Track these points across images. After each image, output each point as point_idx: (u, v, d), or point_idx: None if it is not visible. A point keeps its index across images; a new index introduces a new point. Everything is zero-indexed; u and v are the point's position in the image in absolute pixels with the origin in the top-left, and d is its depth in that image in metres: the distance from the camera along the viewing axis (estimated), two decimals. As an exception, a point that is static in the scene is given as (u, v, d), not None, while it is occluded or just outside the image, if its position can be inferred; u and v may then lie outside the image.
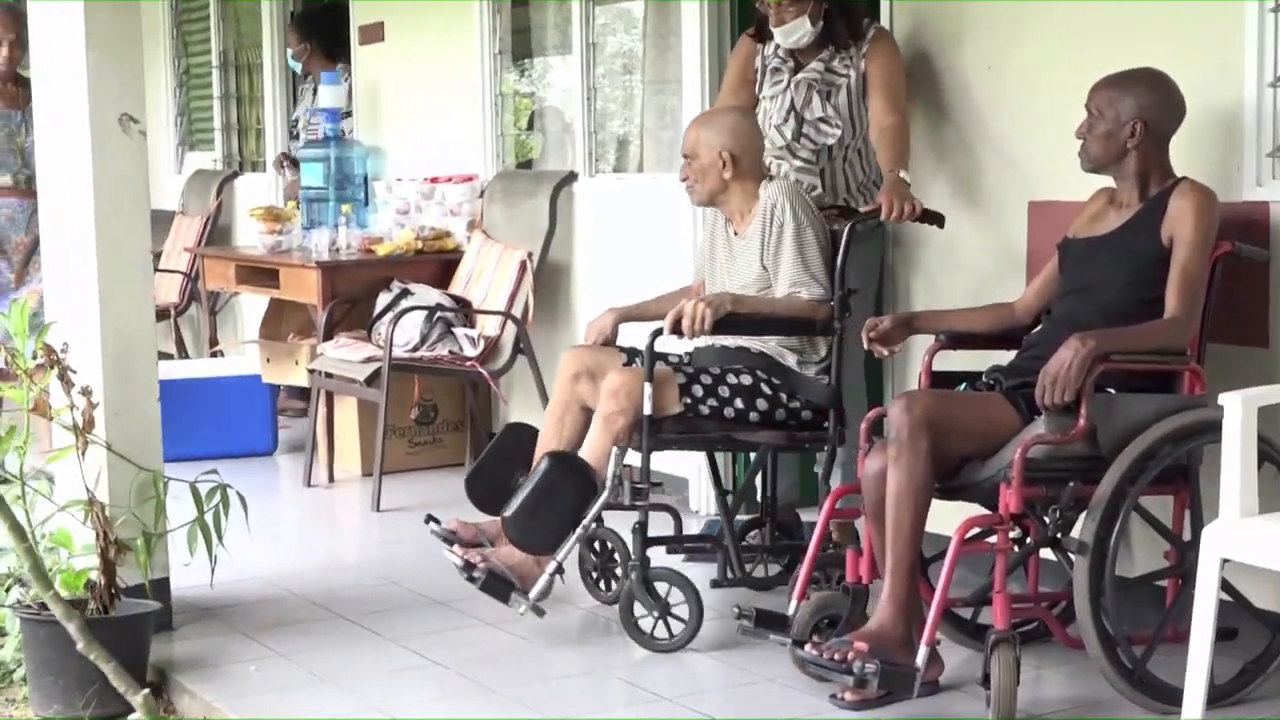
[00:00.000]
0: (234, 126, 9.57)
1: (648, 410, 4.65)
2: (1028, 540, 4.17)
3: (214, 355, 7.91)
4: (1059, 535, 4.07)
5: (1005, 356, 4.42)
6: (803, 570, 4.34)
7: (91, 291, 4.74)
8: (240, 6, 9.42)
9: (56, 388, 4.50)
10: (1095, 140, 4.23)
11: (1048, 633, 4.44)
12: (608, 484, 4.65)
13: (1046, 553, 4.25)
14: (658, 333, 4.66)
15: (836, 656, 3.91)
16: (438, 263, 7.13)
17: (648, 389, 4.64)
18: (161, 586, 4.83)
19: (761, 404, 4.79)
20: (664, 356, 4.85)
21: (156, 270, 9.02)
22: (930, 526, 4.07)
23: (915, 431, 3.98)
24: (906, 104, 5.17)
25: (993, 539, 4.05)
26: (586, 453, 4.73)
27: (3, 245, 7.01)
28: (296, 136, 8.55)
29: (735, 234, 5.01)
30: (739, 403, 4.76)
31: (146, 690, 3.82)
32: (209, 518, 4.73)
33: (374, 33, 8.04)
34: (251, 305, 8.52)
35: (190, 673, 4.51)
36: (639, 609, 4.65)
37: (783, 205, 4.87)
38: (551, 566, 4.64)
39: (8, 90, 6.99)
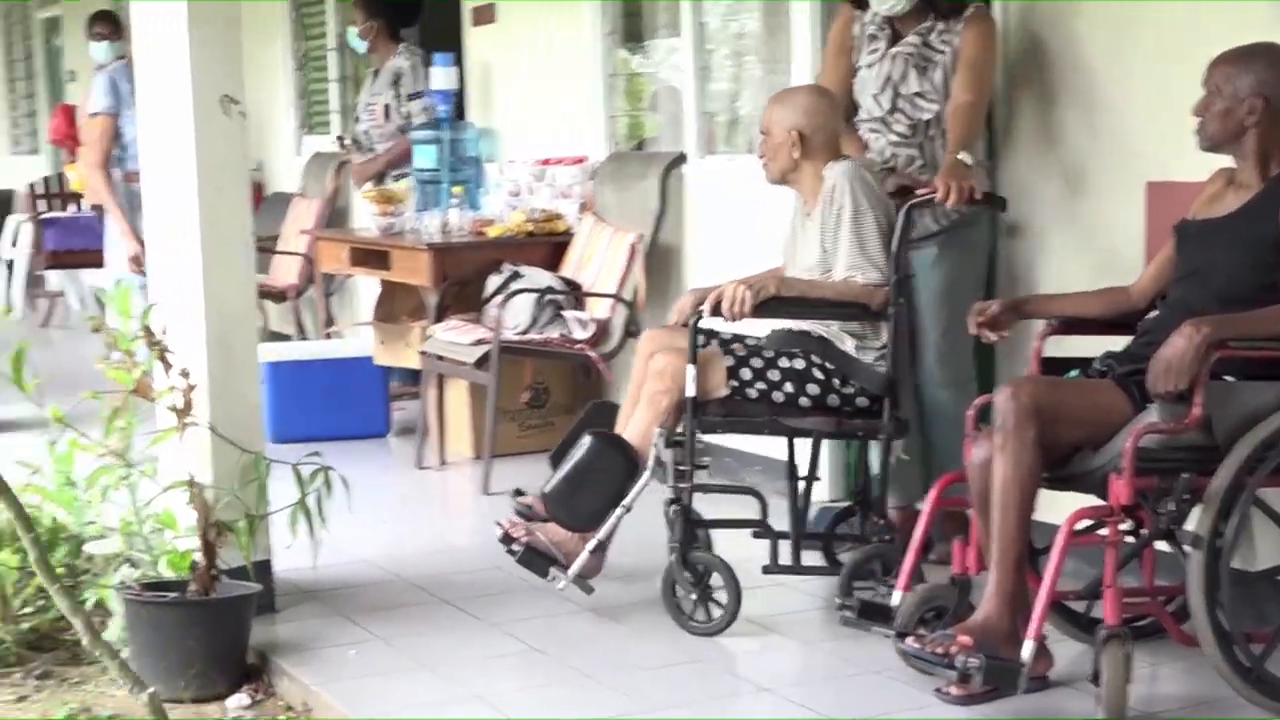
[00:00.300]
0: (351, 109, 9.56)
1: (690, 392, 4.62)
2: (1140, 533, 4.05)
3: (329, 337, 7.92)
4: (1173, 528, 3.94)
5: (1120, 342, 4.28)
6: (907, 561, 4.24)
7: (194, 273, 4.74)
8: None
9: (160, 370, 4.52)
10: (1213, 118, 4.09)
11: (1163, 629, 4.30)
12: (649, 465, 4.65)
13: (1164, 545, 4.13)
14: (700, 315, 4.65)
15: (939, 650, 3.81)
16: (548, 245, 7.08)
17: (690, 370, 4.62)
18: (264, 569, 4.83)
19: (813, 389, 4.72)
20: (741, 339, 4.81)
21: (275, 253, 9.08)
22: (1043, 516, 3.96)
23: (1021, 419, 3.87)
24: (987, 86, 5.01)
25: (1104, 531, 3.93)
26: (631, 432, 4.74)
27: None
28: (358, 119, 8.45)
29: (807, 215, 4.93)
30: (789, 387, 4.70)
31: (152, 690, 3.78)
32: (311, 500, 4.75)
33: (486, 14, 8.01)
34: (368, 287, 8.52)
35: (290, 655, 4.50)
36: (680, 590, 4.65)
37: (842, 187, 4.77)
38: (591, 544, 4.67)
39: None
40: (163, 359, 4.38)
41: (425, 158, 7.86)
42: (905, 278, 4.73)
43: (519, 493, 4.98)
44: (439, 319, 6.85)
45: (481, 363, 6.43)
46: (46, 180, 13.06)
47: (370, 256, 7.41)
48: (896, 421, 4.74)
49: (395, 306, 7.52)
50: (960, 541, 4.21)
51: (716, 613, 4.62)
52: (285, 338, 9.38)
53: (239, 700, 4.33)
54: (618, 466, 4.68)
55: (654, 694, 4.16)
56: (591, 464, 4.70)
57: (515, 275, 6.83)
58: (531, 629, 4.69)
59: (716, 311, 4.64)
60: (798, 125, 4.85)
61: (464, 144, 7.85)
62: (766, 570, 4.78)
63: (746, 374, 4.70)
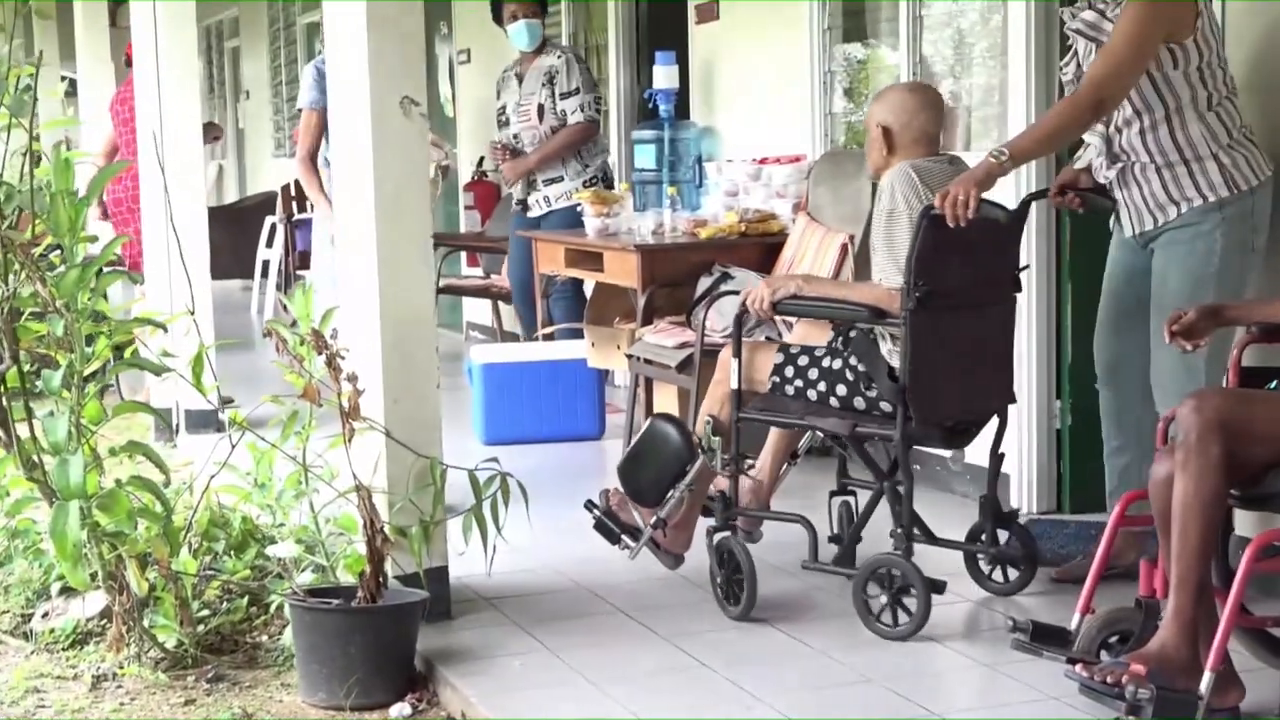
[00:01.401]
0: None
1: (734, 384, 4.82)
2: (1339, 558, 3.76)
3: (547, 339, 7.88)
4: (1375, 554, 3.65)
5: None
6: (1088, 582, 3.99)
7: (371, 275, 4.71)
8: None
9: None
10: None
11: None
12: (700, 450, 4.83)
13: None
14: (743, 309, 4.84)
15: (1110, 679, 3.58)
16: (761, 246, 6.93)
17: (733, 364, 4.82)
18: (439, 575, 4.79)
19: (841, 389, 4.74)
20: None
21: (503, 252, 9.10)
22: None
23: (1205, 435, 3.61)
24: (1109, 74, 4.55)
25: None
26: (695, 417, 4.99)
27: None
28: (506, 123, 8.30)
29: None
30: (822, 386, 4.77)
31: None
32: (487, 506, 4.69)
33: (709, 11, 7.89)
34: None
35: (456, 665, 4.44)
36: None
37: (890, 189, 4.67)
38: (652, 519, 4.85)
39: None
40: (331, 363, 4.34)
41: (645, 157, 7.78)
42: (916, 284, 4.49)
43: None
44: (647, 322, 6.75)
45: (684, 366, 6.31)
46: (297, 182, 13.31)
47: (585, 258, 7.35)
48: (911, 432, 4.60)
49: (609, 309, 7.44)
50: (1148, 561, 3.95)
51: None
52: (514, 337, 9.42)
53: (401, 709, 4.28)
54: (674, 446, 4.85)
55: (816, 717, 4.00)
56: (653, 444, 4.92)
57: (725, 276, 6.70)
58: (703, 643, 4.55)
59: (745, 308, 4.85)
60: (884, 121, 4.81)
61: (684, 143, 7.74)
62: (804, 566, 4.85)
63: (789, 371, 4.81)
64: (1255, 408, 3.75)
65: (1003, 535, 4.94)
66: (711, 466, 4.84)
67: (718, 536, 4.85)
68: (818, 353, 4.81)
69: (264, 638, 4.85)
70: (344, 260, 4.93)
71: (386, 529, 4.48)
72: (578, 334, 7.68)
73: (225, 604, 4.94)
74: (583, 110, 8.08)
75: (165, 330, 4.53)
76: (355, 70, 4.69)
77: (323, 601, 4.37)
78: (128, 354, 4.58)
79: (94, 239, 4.35)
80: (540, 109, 8.07)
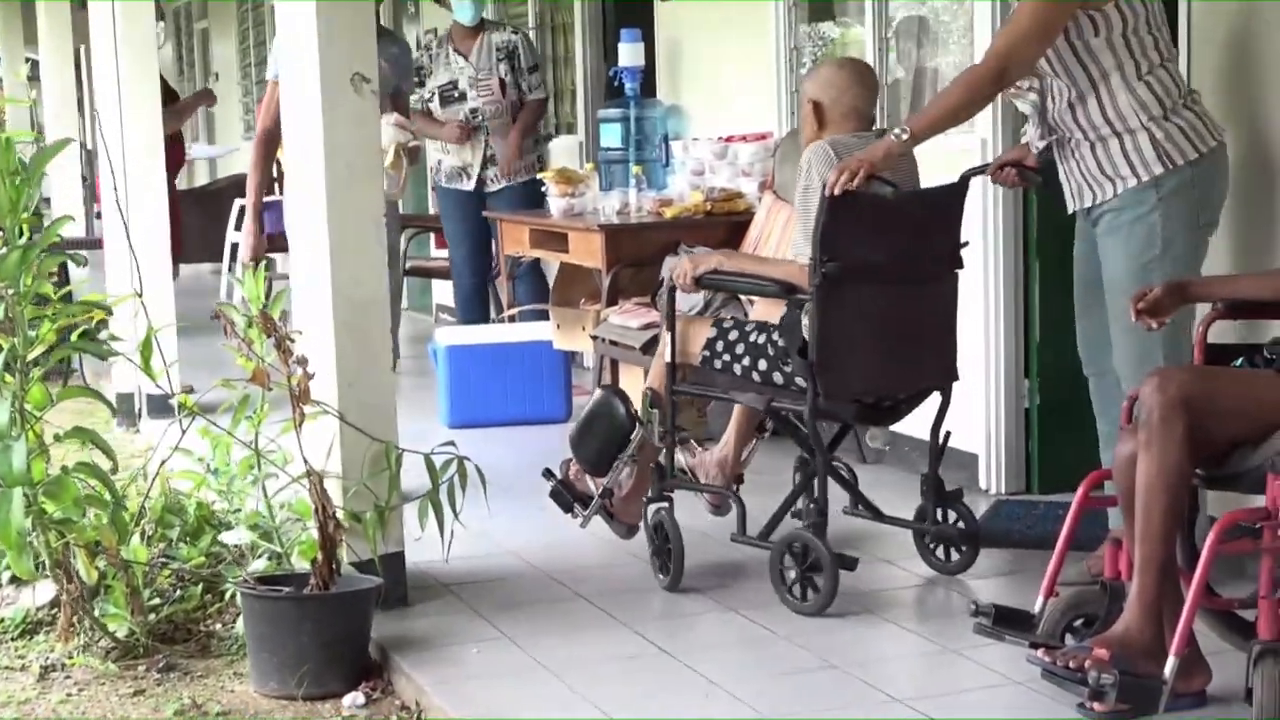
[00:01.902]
0: (551, 89, 9.42)
1: (667, 358, 4.88)
2: (1305, 538, 3.67)
3: (510, 320, 7.78)
4: (1342, 534, 3.57)
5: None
6: (1051, 563, 3.91)
7: (323, 256, 4.61)
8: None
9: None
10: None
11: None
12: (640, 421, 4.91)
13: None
14: (670, 283, 4.90)
15: (1072, 664, 3.50)
16: (727, 225, 6.84)
17: (665, 337, 4.89)
18: (395, 561, 4.70)
19: (763, 364, 4.72)
20: None
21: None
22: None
23: (1168, 413, 3.53)
24: (1011, 35, 4.37)
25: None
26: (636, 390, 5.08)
27: None
28: (459, 98, 8.11)
29: None
30: (746, 360, 4.74)
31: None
32: (444, 491, 4.61)
33: (674, -12, 7.80)
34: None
35: (412, 653, 4.35)
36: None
37: (807, 164, 4.69)
38: (599, 488, 4.99)
39: None
40: (280, 346, 4.25)
41: (611, 136, 7.69)
42: (824, 261, 4.48)
43: None
44: (612, 302, 6.67)
45: (649, 347, 6.22)
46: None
47: (551, 238, 7.26)
48: (820, 407, 4.58)
49: (575, 290, 7.35)
50: (1112, 543, 3.88)
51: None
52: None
53: (354, 698, 4.19)
54: (617, 418, 4.94)
55: (779, 704, 3.92)
56: (595, 412, 5.04)
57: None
58: (664, 629, 4.49)
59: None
60: (814, 96, 4.81)
61: (650, 122, 7.68)
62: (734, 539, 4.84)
63: (720, 345, 4.80)
64: (1220, 384, 3.67)
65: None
66: (649, 438, 4.88)
67: (651, 508, 4.88)
68: (748, 328, 4.79)
69: (218, 626, 4.76)
70: (295, 240, 4.83)
71: (339, 515, 4.39)
72: (543, 315, 7.59)
73: (179, 592, 4.84)
74: (541, 87, 8.22)
75: (110, 313, 4.42)
76: (305, 47, 4.59)
77: (273, 589, 4.28)
78: (74, 337, 4.47)
79: (38, 219, 4.24)
80: (502, 84, 8.01)
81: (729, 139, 7.15)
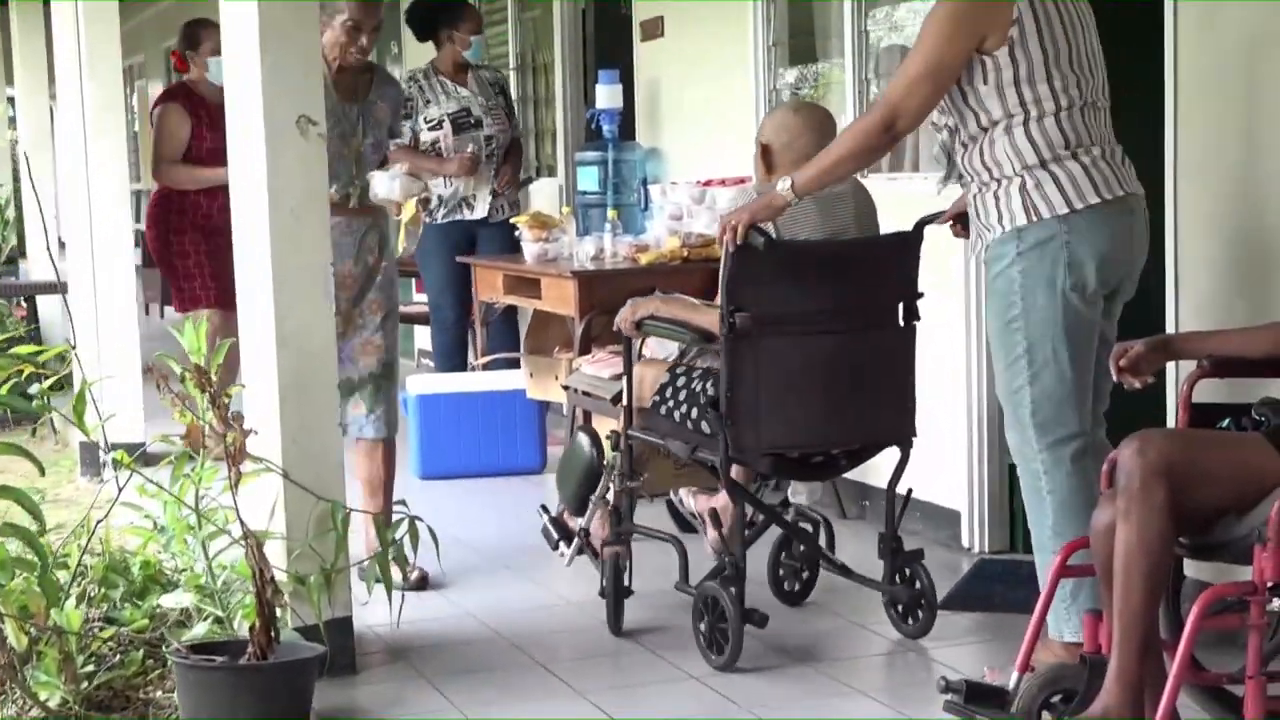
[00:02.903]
0: (531, 130, 9.24)
1: (625, 400, 4.91)
2: (1294, 613, 3.46)
3: (485, 369, 7.55)
4: (1334, 609, 3.35)
5: (1284, 387, 3.69)
6: (1027, 637, 3.68)
7: (267, 307, 4.40)
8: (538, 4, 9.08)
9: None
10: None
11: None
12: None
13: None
14: (616, 328, 4.96)
15: (1047, 747, 3.27)
16: (704, 271, 6.59)
17: (623, 381, 4.94)
18: (343, 626, 4.49)
19: (694, 412, 4.60)
20: None
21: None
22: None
23: (1148, 480, 3.32)
24: (904, 95, 4.10)
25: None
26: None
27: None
28: (475, 124, 7.81)
29: None
30: (684, 407, 4.65)
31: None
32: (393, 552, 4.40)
33: (654, 28, 7.59)
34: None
35: (353, 726, 4.13)
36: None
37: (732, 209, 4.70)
38: (577, 525, 5.10)
39: (344, 81, 5.43)
40: (214, 402, 4.03)
41: (588, 180, 7.50)
42: (731, 312, 4.36)
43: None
44: (585, 350, 6.44)
45: (619, 398, 5.99)
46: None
47: (524, 284, 7.05)
48: (728, 458, 4.44)
49: (549, 337, 7.14)
50: (1091, 614, 3.65)
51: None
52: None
53: (291, 774, 3.96)
54: (587, 460, 5.08)
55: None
56: (569, 453, 5.22)
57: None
58: (624, 699, 4.26)
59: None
60: (765, 140, 4.72)
61: (628, 165, 7.50)
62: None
63: (669, 391, 4.73)
64: (1203, 449, 3.45)
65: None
66: (612, 481, 4.92)
67: (606, 550, 4.86)
68: (695, 375, 4.69)
69: (158, 693, 4.51)
70: (240, 290, 4.62)
71: (280, 579, 4.17)
72: (515, 364, 7.37)
73: (118, 657, 4.62)
74: (517, 128, 8.12)
75: (37, 366, 4.21)
76: (248, 87, 4.39)
77: (206, 658, 4.05)
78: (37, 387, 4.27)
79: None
80: (507, 115, 7.83)
81: (708, 183, 6.93)
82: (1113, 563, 3.38)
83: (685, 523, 5.40)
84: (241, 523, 4.08)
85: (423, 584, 5.23)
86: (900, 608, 4.71)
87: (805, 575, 5.08)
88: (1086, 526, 3.64)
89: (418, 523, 4.44)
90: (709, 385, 4.56)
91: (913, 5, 6.05)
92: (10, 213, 10.99)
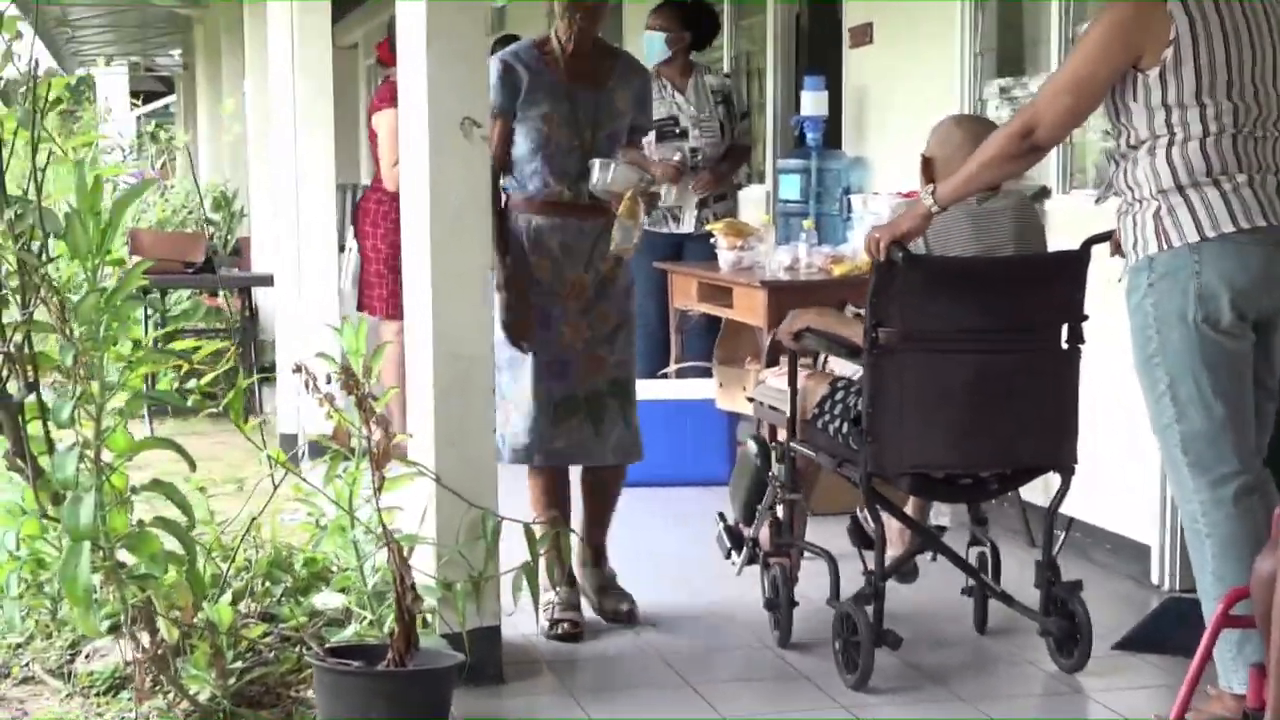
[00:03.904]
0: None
1: (789, 413, 4.82)
2: None
3: (678, 376, 7.44)
4: None
5: None
6: (1183, 689, 3.47)
7: (425, 309, 4.37)
8: (753, 5, 8.95)
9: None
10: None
11: None
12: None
13: None
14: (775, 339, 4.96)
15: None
16: (898, 285, 6.43)
17: (786, 392, 4.87)
18: (490, 635, 4.43)
19: (845, 426, 4.52)
20: None
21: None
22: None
23: (1312, 528, 3.09)
24: (1046, 105, 3.97)
25: None
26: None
27: (554, 284, 4.97)
28: (681, 134, 7.66)
29: None
30: (838, 422, 4.58)
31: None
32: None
33: (862, 35, 7.42)
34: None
35: (491, 739, 4.07)
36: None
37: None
38: (749, 533, 5.00)
39: (581, 67, 4.98)
40: (361, 405, 4.00)
41: (790, 188, 7.37)
42: (874, 326, 4.31)
43: None
44: (773, 362, 6.31)
45: (805, 412, 5.86)
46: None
47: (718, 292, 6.94)
48: (867, 474, 4.38)
49: (740, 347, 7.02)
50: (1255, 668, 3.43)
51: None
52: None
53: (424, 784, 3.91)
54: (754, 470, 5.03)
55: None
56: (741, 464, 5.21)
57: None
58: (765, 725, 4.14)
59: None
60: (929, 152, 4.57)
61: (831, 174, 7.34)
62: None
63: (828, 404, 4.65)
64: (1377, 497, 3.21)
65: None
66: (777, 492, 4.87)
67: (770, 561, 4.84)
68: (852, 389, 4.58)
69: (309, 692, 4.51)
70: (406, 292, 4.59)
71: (419, 586, 4.12)
72: (708, 373, 7.27)
73: (273, 653, 4.62)
74: (748, 135, 7.90)
75: (191, 364, 4.22)
76: (415, 88, 4.36)
77: (342, 662, 4.02)
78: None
79: (121, 261, 4.06)
80: (721, 127, 7.67)
81: (910, 194, 6.75)
82: (1272, 614, 3.16)
83: (870, 540, 5.23)
84: (383, 526, 4.04)
85: (630, 617, 4.95)
86: (1055, 640, 4.53)
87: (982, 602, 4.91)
88: (1250, 571, 3.41)
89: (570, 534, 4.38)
90: (860, 401, 4.45)
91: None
92: (237, 205, 11.21)
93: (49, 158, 3.95)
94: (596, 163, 4.87)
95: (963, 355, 4.34)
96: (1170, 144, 3.85)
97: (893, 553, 4.79)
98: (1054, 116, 3.93)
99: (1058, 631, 4.49)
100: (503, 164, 4.93)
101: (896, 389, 4.32)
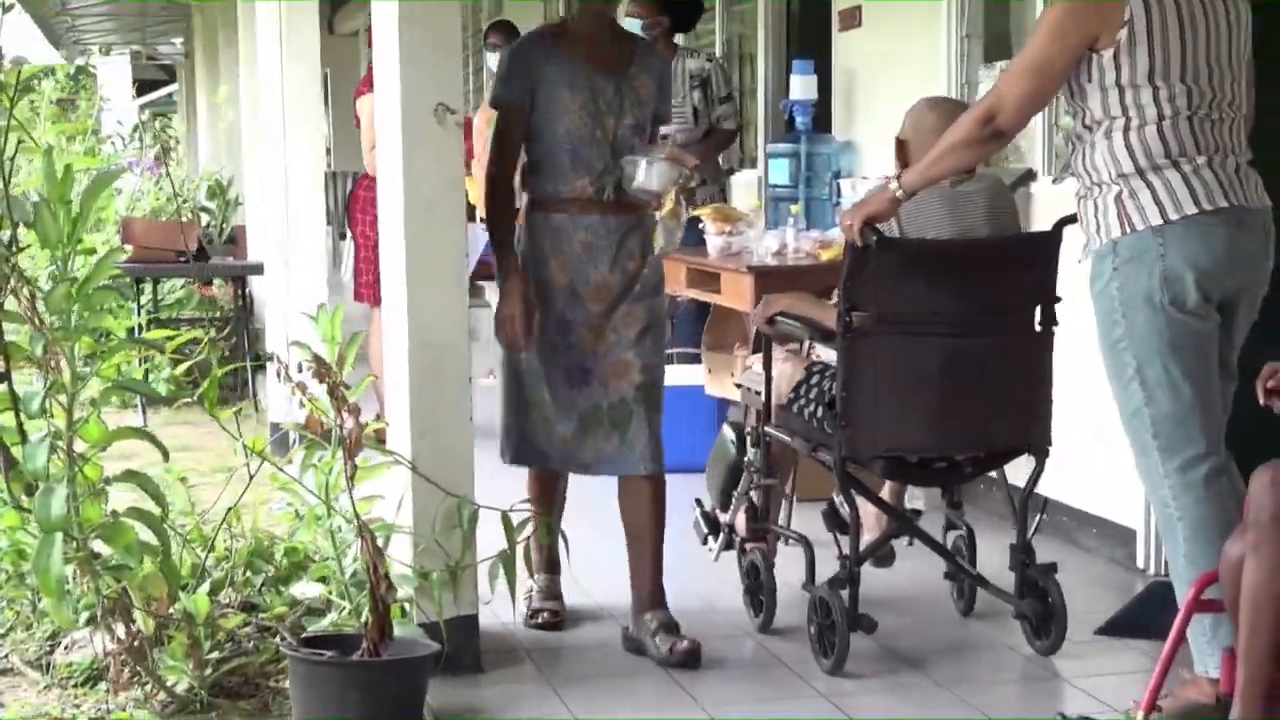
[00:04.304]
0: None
1: (764, 397, 4.86)
2: None
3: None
4: None
5: None
6: (1154, 677, 3.45)
7: (400, 296, 4.35)
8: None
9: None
10: None
11: None
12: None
13: None
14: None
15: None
16: (886, 269, 6.40)
17: (760, 377, 4.93)
18: (468, 624, 4.41)
19: (820, 411, 4.53)
20: None
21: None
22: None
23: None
24: (1007, 89, 3.98)
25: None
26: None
27: (575, 286, 4.65)
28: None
29: None
30: (812, 406, 4.59)
31: None
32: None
33: (851, 18, 7.39)
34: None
35: (466, 728, 4.05)
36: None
37: None
38: (724, 519, 5.04)
39: (599, 52, 4.68)
40: (333, 393, 3.98)
41: (779, 173, 7.33)
42: (847, 310, 4.32)
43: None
44: (759, 348, 6.28)
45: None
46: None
47: (706, 278, 6.91)
48: (841, 457, 4.39)
49: (728, 333, 7.00)
50: (1228, 652, 3.41)
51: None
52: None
53: (402, 774, 3.90)
54: (730, 455, 5.15)
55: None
56: (716, 450, 5.28)
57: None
58: (740, 713, 4.11)
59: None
60: (902, 135, 4.63)
61: (821, 159, 7.29)
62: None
63: (803, 388, 4.65)
64: (1347, 482, 3.19)
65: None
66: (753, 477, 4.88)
67: (748, 547, 4.86)
68: (828, 373, 4.57)
69: (286, 683, 4.50)
70: (383, 279, 4.57)
71: (396, 575, 4.11)
72: (698, 359, 7.25)
73: (252, 643, 4.61)
74: (734, 118, 7.80)
75: (162, 352, 4.20)
76: (389, 75, 4.34)
77: (315, 652, 4.00)
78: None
79: (92, 251, 4.04)
80: (695, 112, 7.63)
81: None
82: (1241, 598, 3.15)
83: (845, 525, 5.23)
84: (356, 515, 4.02)
85: (693, 658, 4.49)
86: (1030, 623, 4.53)
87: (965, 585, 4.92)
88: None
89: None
90: (835, 385, 4.45)
91: None
92: (232, 193, 11.19)
93: (18, 146, 3.91)
94: (633, 160, 4.57)
95: (935, 339, 4.33)
96: (1127, 128, 3.85)
97: (869, 537, 4.77)
98: (1015, 102, 3.92)
99: (1033, 614, 4.49)
100: (516, 160, 4.68)
101: (871, 372, 4.33)
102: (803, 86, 7.27)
